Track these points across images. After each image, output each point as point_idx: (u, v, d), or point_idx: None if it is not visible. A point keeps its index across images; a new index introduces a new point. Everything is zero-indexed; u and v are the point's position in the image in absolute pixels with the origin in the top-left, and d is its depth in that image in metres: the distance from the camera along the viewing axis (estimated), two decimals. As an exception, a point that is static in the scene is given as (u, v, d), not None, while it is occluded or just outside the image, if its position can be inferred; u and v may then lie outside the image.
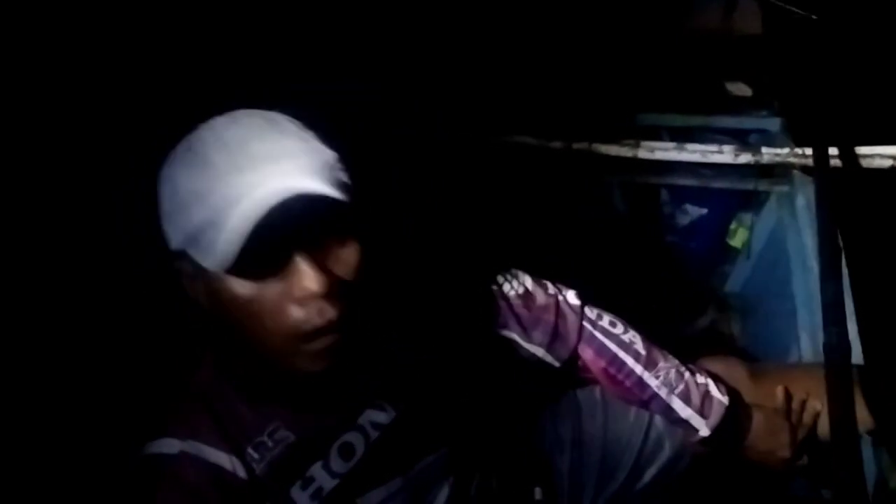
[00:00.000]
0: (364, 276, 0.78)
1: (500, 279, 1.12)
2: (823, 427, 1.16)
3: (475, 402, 1.07)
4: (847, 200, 1.38)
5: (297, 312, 0.75)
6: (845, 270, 1.29)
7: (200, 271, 0.75)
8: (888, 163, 1.61)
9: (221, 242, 0.69)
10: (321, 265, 0.74)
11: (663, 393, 1.15)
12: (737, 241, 2.16)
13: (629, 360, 1.15)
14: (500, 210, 1.90)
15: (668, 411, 1.16)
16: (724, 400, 1.16)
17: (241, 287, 0.74)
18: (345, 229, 0.77)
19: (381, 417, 0.95)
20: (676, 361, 1.18)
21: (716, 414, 1.15)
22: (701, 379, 1.17)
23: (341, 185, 0.73)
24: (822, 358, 1.01)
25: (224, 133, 0.75)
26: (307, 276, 0.73)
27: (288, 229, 0.71)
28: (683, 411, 1.15)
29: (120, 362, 1.26)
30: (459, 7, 2.12)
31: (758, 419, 1.18)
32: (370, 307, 0.82)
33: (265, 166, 0.72)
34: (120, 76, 1.38)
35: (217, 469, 0.84)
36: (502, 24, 2.20)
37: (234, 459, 0.85)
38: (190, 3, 1.53)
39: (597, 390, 1.25)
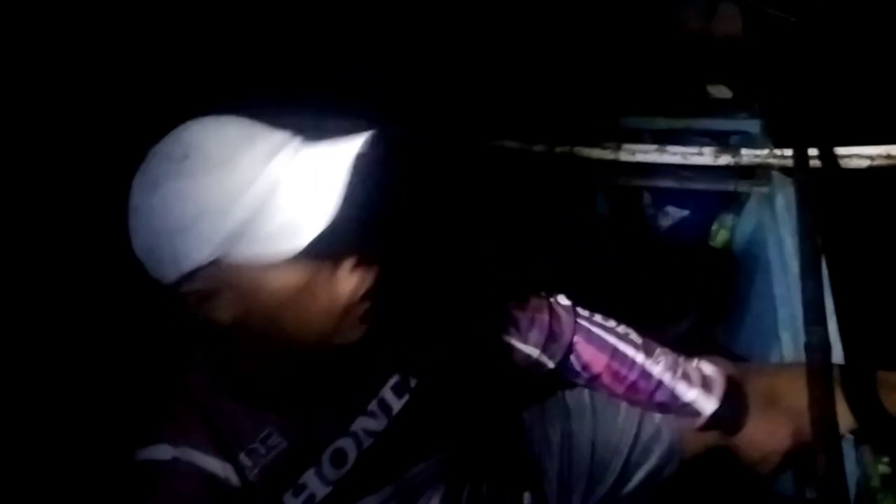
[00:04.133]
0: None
1: (493, 282, 1.13)
2: (806, 427, 1.18)
3: (471, 407, 1.08)
4: (826, 200, 1.40)
5: (350, 281, 0.80)
6: (825, 270, 1.30)
7: (234, 278, 0.75)
8: (866, 163, 1.63)
9: (300, 224, 0.72)
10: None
11: (667, 378, 1.16)
12: (718, 242, 2.18)
13: (630, 351, 1.16)
14: (484, 213, 1.91)
15: (673, 398, 1.16)
16: (720, 375, 1.18)
17: (297, 271, 0.76)
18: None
19: (373, 424, 0.95)
20: (667, 349, 1.20)
21: (718, 387, 1.17)
22: (693, 361, 1.20)
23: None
24: (803, 357, 1.02)
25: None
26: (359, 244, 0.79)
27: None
28: (689, 393, 1.16)
29: (113, 368, 1.25)
30: (441, 11, 2.12)
31: (753, 402, 1.19)
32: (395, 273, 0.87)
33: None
34: (134, 79, 1.38)
35: (209, 476, 0.84)
36: (483, 28, 2.21)
37: (227, 466, 0.85)
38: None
39: (585, 393, 1.26)
